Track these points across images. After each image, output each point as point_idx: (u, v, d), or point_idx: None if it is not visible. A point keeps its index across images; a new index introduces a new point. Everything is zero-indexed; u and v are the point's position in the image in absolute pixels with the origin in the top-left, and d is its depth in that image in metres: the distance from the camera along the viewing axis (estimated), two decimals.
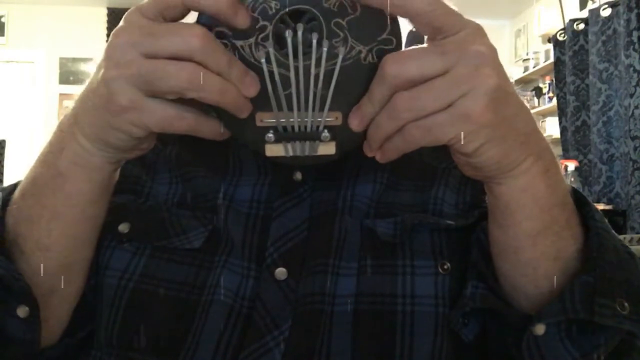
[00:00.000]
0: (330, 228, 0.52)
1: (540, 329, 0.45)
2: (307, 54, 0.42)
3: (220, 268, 0.51)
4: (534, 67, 4.98)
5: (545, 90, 4.83)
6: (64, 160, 0.46)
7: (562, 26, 3.41)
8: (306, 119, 0.44)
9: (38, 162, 0.48)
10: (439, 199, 0.56)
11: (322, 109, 0.43)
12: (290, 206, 0.53)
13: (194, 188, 0.56)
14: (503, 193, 0.45)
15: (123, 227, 0.53)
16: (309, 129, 0.44)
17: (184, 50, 0.39)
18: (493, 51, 0.40)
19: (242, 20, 0.41)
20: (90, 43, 5.43)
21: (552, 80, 4.14)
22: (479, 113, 0.39)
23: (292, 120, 0.44)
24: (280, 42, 0.42)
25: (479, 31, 0.41)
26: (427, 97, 0.39)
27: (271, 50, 0.42)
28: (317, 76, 0.42)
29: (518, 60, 5.47)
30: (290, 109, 0.43)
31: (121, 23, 0.42)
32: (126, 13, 0.42)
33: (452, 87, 0.39)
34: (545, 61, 4.71)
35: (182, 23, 0.41)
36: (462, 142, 0.40)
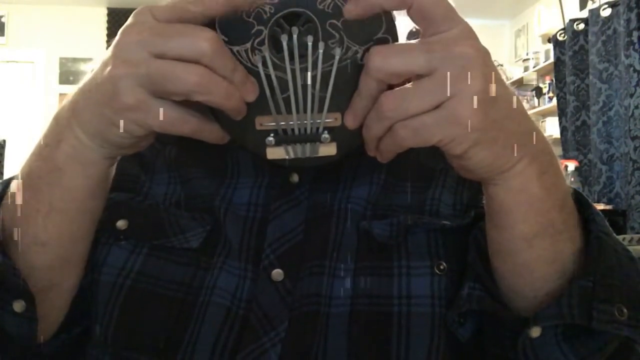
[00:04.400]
0: (327, 230, 0.52)
1: (536, 331, 0.45)
2: (303, 56, 0.42)
3: (217, 269, 0.51)
4: (534, 67, 4.97)
5: (545, 90, 4.82)
6: (62, 154, 0.45)
7: (562, 26, 3.41)
8: (305, 121, 0.44)
9: (34, 156, 0.47)
10: (435, 199, 0.56)
11: (320, 110, 0.43)
12: (287, 208, 0.53)
13: (191, 189, 0.56)
14: (498, 194, 0.44)
15: (121, 224, 0.53)
16: (308, 131, 0.44)
17: (194, 53, 0.39)
18: (480, 53, 0.40)
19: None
20: (90, 43, 5.43)
21: (552, 80, 4.13)
22: (467, 116, 0.38)
23: (291, 123, 0.44)
24: (276, 46, 0.43)
25: (467, 32, 0.40)
26: (413, 97, 0.39)
27: (267, 54, 0.42)
28: (314, 78, 0.42)
29: (518, 60, 5.46)
30: (289, 111, 0.43)
31: (130, 21, 0.41)
32: (135, 11, 0.42)
33: (437, 89, 0.38)
34: (545, 61, 4.70)
35: (192, 25, 0.40)
36: (451, 145, 0.40)
